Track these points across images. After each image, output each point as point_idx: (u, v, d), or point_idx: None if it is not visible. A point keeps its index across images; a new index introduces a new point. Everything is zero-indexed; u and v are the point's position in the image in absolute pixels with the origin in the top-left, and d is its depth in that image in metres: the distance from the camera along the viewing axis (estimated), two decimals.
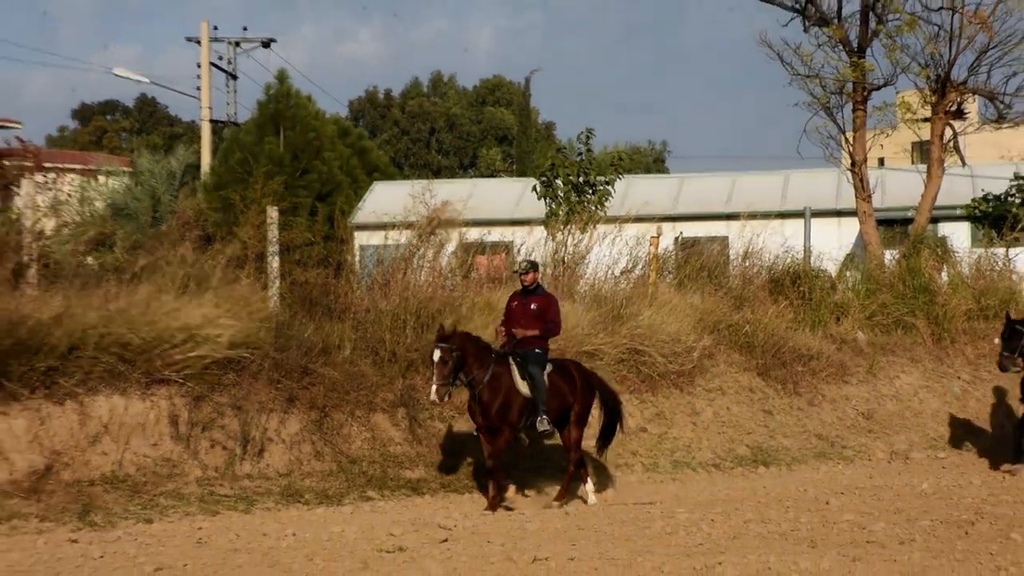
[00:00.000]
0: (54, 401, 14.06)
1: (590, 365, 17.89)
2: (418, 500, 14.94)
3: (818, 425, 19.56)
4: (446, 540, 12.56)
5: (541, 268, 17.08)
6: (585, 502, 15.05)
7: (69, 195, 24.10)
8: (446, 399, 14.46)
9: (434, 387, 14.08)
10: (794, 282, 22.58)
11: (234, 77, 46.18)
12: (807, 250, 25.28)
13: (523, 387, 14.51)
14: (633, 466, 17.00)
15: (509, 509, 14.41)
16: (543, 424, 14.62)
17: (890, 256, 25.33)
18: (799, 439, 18.97)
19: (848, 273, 24.59)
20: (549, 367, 14.84)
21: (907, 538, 12.54)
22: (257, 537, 12.74)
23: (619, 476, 16.65)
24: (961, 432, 20.12)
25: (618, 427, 15.71)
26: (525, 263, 15.16)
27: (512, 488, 15.36)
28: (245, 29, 53.04)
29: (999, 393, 20.50)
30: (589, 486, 15.23)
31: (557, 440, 15.81)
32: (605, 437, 15.66)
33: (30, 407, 13.91)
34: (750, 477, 17.18)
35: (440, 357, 14.05)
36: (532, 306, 14.87)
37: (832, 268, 24.51)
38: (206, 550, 12.03)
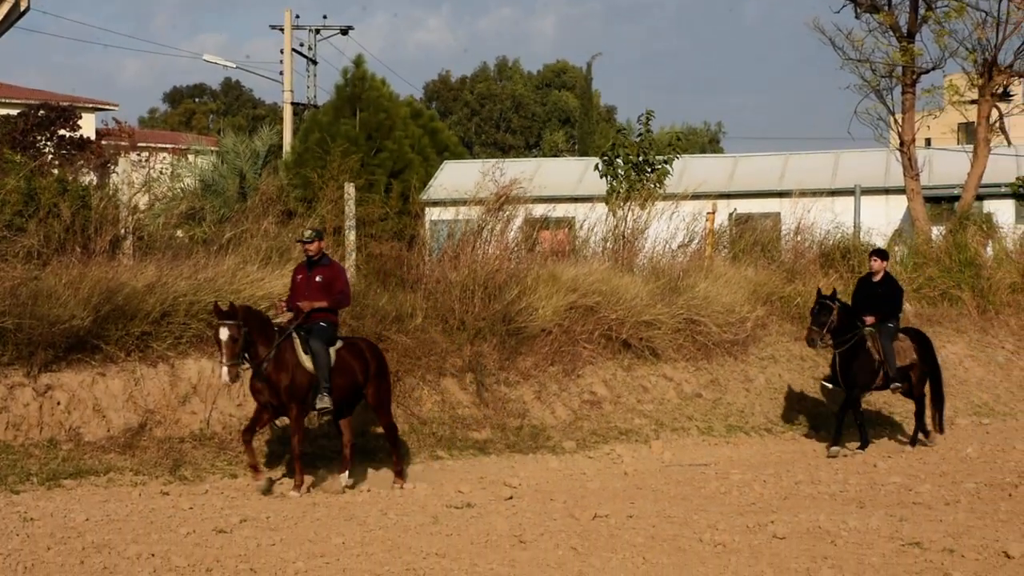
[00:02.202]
0: (148, 363, 14.22)
1: (647, 335, 17.87)
2: (484, 460, 14.95)
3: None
4: (511, 497, 12.61)
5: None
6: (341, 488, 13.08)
7: (161, 172, 24.33)
8: (238, 379, 12.63)
9: (225, 368, 12.26)
10: (844, 256, 22.45)
11: (314, 62, 46.38)
12: (857, 226, 25.09)
13: (307, 362, 12.76)
14: (689, 430, 16.92)
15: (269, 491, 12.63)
16: (323, 401, 12.82)
17: (937, 232, 25.11)
18: None
19: (896, 248, 24.39)
20: (339, 343, 13.15)
21: (952, 500, 12.44)
22: (334, 492, 12.85)
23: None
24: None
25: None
26: (310, 232, 13.38)
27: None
28: (325, 17, 53.28)
29: None
30: (345, 475, 13.27)
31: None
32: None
33: (126, 369, 14.08)
34: (800, 441, 17.07)
35: (228, 335, 12.24)
36: (317, 278, 13.15)
37: (881, 243, 24.29)
38: (287, 503, 12.14)
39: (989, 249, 24.11)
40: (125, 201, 16.26)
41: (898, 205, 29.95)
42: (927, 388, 17.04)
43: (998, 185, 29.33)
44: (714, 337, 18.58)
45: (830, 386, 16.72)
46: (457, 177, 27.50)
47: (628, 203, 20.78)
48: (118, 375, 13.99)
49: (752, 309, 19.50)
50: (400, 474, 13.63)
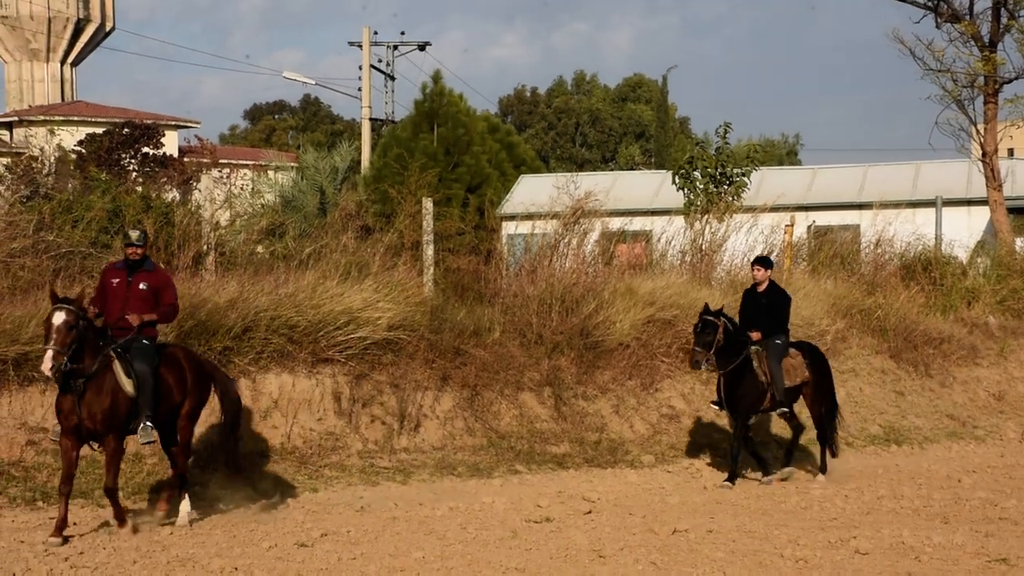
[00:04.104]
0: None
1: None
2: (563, 474, 14.92)
3: (949, 406, 19.10)
4: (590, 512, 12.56)
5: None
6: (173, 523, 11.66)
7: (242, 188, 24.66)
8: (59, 373, 10.68)
9: (50, 352, 10.50)
10: (925, 268, 22.17)
11: (392, 78, 46.76)
12: (938, 238, 24.76)
13: (128, 385, 11.02)
14: (768, 444, 16.75)
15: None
16: (147, 434, 11.10)
17: (1021, 243, 24.72)
18: (931, 419, 18.53)
19: (979, 260, 24.07)
20: (155, 359, 11.44)
21: None
22: (414, 506, 12.89)
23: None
24: None
25: (235, 426, 12.67)
26: (138, 233, 11.56)
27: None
28: (403, 34, 53.77)
29: None
30: (186, 504, 11.76)
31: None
32: (228, 437, 12.68)
33: None
34: (882, 455, 16.84)
35: (65, 320, 10.57)
36: (141, 285, 11.39)
37: (963, 255, 23.97)
38: (367, 517, 12.20)
39: None
40: (207, 217, 16.48)
41: (980, 216, 29.54)
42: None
43: None
44: None
45: (717, 408, 15.08)
46: (534, 191, 27.54)
47: (706, 216, 20.68)
48: None
49: (832, 322, 19.28)
50: (174, 509, 11.75)
